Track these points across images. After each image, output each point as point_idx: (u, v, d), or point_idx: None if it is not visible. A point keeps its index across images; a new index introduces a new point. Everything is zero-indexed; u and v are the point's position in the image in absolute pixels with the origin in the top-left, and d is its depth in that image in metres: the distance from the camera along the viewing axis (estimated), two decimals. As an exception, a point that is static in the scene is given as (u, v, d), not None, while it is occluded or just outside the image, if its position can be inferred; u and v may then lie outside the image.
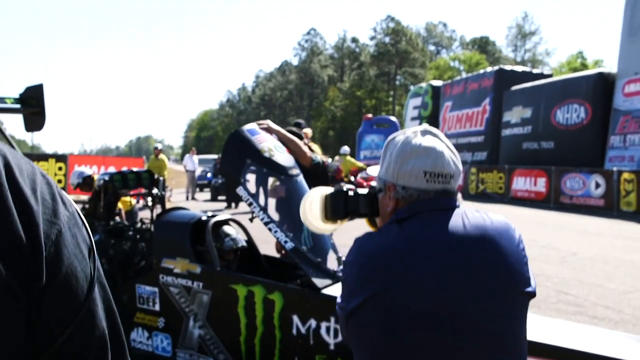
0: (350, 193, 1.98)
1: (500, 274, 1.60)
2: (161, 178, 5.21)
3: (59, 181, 18.15)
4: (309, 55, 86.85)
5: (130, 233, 4.78)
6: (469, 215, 1.67)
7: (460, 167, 1.72)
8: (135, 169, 5.02)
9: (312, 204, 2.11)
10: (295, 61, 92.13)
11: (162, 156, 17.72)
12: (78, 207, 0.91)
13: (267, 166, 3.85)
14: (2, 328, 0.70)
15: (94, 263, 0.82)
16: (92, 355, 0.80)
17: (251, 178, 3.83)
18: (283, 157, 3.94)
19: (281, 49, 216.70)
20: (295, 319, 3.58)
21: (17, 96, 6.46)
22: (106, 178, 4.78)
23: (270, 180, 4.01)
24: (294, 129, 5.17)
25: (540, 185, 21.78)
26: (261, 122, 4.19)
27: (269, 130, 4.15)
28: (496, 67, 30.62)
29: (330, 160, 5.11)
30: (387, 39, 72.48)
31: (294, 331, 3.59)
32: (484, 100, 29.06)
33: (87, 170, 6.74)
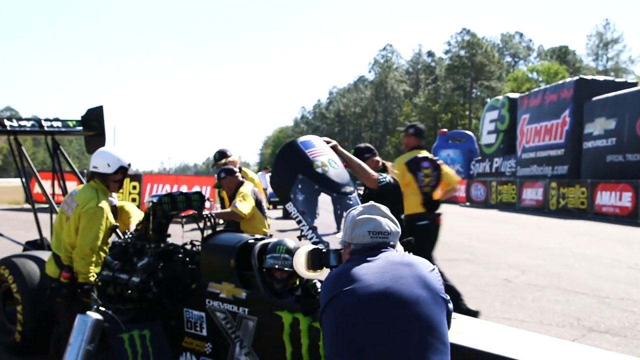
0: (324, 250, 2.78)
1: (420, 281, 2.25)
2: (208, 200, 5.06)
3: (133, 200, 18.57)
4: (384, 70, 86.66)
5: (180, 255, 4.66)
6: (399, 253, 2.42)
7: (398, 228, 2.49)
8: (185, 190, 4.91)
9: (300, 256, 2.83)
10: (370, 77, 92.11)
11: (233, 174, 17.79)
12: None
13: (319, 182, 3.62)
14: None
15: None
16: None
17: (302, 194, 3.62)
18: (337, 172, 3.70)
19: (354, 65, 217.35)
20: (342, 349, 3.33)
21: (79, 119, 6.59)
22: (154, 200, 4.68)
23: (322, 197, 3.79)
24: (362, 145, 4.93)
25: (626, 200, 20.63)
26: (329, 140, 3.99)
27: (334, 149, 3.94)
28: (576, 77, 29.42)
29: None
30: (462, 52, 71.42)
31: (341, 363, 3.34)
32: (563, 111, 27.93)
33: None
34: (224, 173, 6.66)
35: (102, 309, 4.05)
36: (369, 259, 2.34)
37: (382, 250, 2.40)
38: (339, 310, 2.22)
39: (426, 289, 2.23)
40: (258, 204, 6.37)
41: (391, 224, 2.46)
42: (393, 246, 2.45)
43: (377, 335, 2.13)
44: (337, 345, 2.19)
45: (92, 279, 4.28)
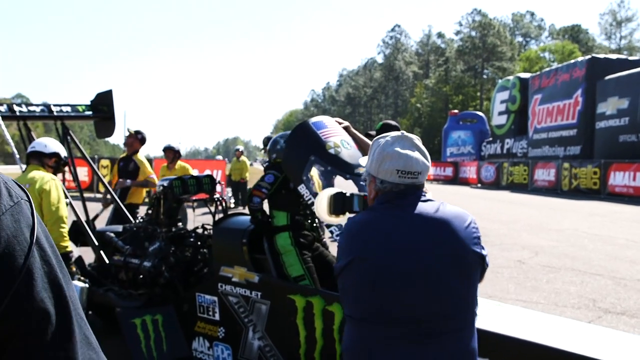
0: (348, 194, 2.65)
1: (455, 240, 2.04)
2: (219, 183, 5.02)
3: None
4: (394, 52, 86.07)
5: (192, 240, 4.63)
6: (431, 203, 2.13)
7: (429, 163, 2.17)
8: (195, 174, 4.86)
9: (321, 201, 2.68)
10: (379, 59, 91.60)
11: (243, 158, 17.83)
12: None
13: (331, 164, 3.56)
14: None
15: (31, 243, 0.91)
16: (31, 325, 0.88)
17: (314, 176, 3.56)
18: (350, 153, 3.64)
19: (364, 47, 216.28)
20: (356, 333, 3.30)
21: (88, 103, 6.54)
22: (165, 184, 4.65)
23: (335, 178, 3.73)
24: (391, 122, 4.84)
25: (640, 179, 20.40)
26: (341, 121, 3.92)
27: (347, 130, 3.87)
28: (588, 56, 29.02)
29: None
30: (473, 33, 70.72)
31: (355, 346, 3.30)
32: (575, 91, 27.64)
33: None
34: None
35: (82, 278, 4.32)
36: (398, 211, 2.10)
37: (413, 195, 2.13)
38: (364, 274, 2.03)
39: (462, 250, 2.04)
40: None
41: (422, 160, 2.15)
42: (422, 186, 2.18)
43: (407, 305, 1.99)
44: (362, 311, 2.05)
45: (69, 249, 4.46)
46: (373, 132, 4.73)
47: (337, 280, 2.17)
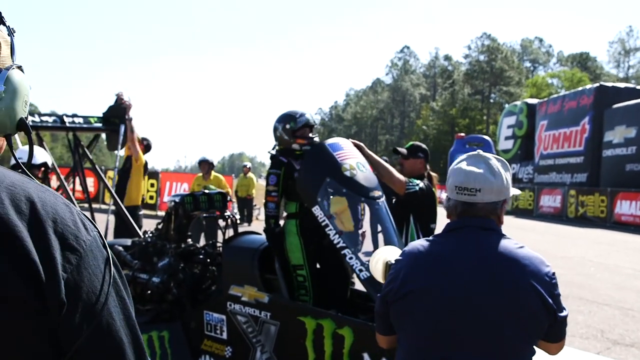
0: None
1: (527, 288, 1.85)
2: (229, 199, 5.01)
3: (151, 197, 18.61)
4: (401, 74, 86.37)
5: (201, 256, 4.60)
6: (505, 240, 1.96)
7: (499, 181, 2.00)
8: (207, 191, 4.84)
9: (377, 263, 2.63)
10: (387, 79, 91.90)
11: (250, 174, 17.83)
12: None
13: (347, 186, 3.54)
14: (24, 339, 0.86)
15: (110, 279, 0.97)
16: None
17: (329, 197, 3.54)
18: (365, 176, 3.62)
19: (371, 67, 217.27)
20: (366, 357, 3.26)
21: (100, 115, 6.56)
22: (177, 200, 4.62)
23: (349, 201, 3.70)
24: (420, 145, 4.80)
25: (646, 209, 20.31)
26: (356, 142, 3.91)
27: (360, 150, 3.86)
28: (596, 84, 29.02)
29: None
30: (482, 57, 70.88)
31: (365, 371, 3.26)
32: (582, 119, 27.61)
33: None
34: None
35: None
36: (468, 240, 1.97)
37: (485, 227, 1.98)
38: (432, 304, 1.91)
39: (529, 299, 1.85)
40: None
41: (487, 176, 1.99)
42: (483, 211, 2.00)
43: (460, 338, 1.88)
44: (410, 345, 1.99)
45: None
46: (404, 150, 4.68)
47: (384, 305, 2.06)
